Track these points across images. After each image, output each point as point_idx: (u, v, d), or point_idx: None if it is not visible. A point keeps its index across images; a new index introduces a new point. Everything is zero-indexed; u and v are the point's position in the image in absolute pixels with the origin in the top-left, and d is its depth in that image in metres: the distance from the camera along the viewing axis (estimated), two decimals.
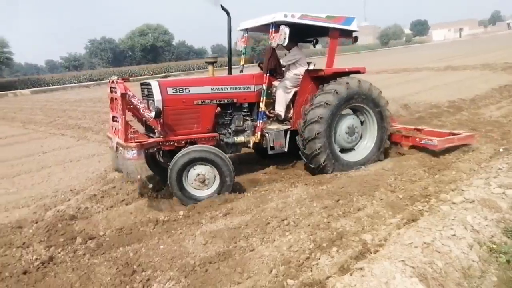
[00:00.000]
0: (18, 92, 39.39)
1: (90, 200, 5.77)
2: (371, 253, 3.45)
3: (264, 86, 5.94)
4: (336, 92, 5.80)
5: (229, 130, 6.11)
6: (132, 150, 4.87)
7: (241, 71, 7.11)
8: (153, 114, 5.11)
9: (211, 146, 5.39)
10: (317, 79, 6.15)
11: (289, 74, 6.56)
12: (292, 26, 5.63)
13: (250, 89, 6.05)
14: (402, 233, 3.68)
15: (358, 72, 6.29)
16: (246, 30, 6.74)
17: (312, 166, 5.99)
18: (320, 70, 6.13)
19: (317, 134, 5.72)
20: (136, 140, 5.05)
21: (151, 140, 5.29)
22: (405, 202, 4.69)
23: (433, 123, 9.00)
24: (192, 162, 5.17)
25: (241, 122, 6.13)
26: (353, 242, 3.79)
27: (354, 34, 6.39)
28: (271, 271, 3.45)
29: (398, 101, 11.94)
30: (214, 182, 5.34)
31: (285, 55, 6.66)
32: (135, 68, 52.78)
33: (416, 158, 6.33)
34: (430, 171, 5.82)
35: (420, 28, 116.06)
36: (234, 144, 6.06)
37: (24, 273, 3.85)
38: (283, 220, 4.42)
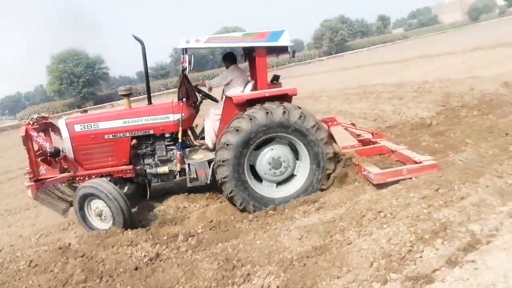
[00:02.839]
0: (115, 103, 43.12)
1: (187, 200, 6.10)
2: (482, 244, 3.16)
3: (180, 115, 5.65)
4: (250, 119, 5.15)
5: (153, 160, 5.96)
6: (28, 189, 5.38)
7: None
8: (51, 152, 5.50)
9: (102, 182, 5.30)
10: (240, 104, 5.51)
11: (223, 98, 6.10)
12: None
13: (168, 118, 5.74)
14: None
15: (285, 95, 5.53)
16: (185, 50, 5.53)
17: (224, 194, 5.45)
18: (231, 98, 5.59)
19: (223, 161, 5.17)
20: (35, 179, 5.46)
21: (60, 176, 5.62)
22: None
23: None
24: (86, 197, 5.25)
25: (164, 152, 5.90)
26: (459, 233, 3.51)
27: (290, 49, 5.74)
28: (372, 264, 3.35)
29: (497, 80, 10.87)
30: (111, 217, 5.24)
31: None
32: (217, 71, 54.77)
33: None
34: None
35: None
36: (158, 174, 5.88)
37: (136, 269, 4.21)
38: (379, 212, 4.24)
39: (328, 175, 5.47)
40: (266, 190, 5.48)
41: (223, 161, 5.18)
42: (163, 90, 47.64)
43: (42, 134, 5.78)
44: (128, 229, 5.29)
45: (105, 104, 41.12)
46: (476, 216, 3.79)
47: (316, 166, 5.39)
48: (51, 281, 4.11)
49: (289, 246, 4.02)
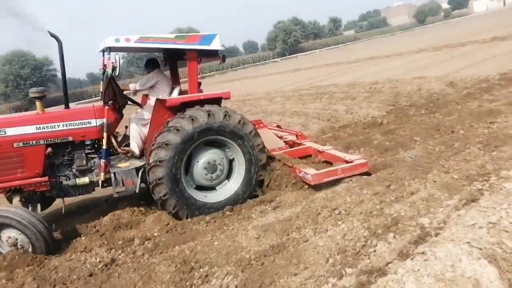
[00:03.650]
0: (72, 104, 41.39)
1: (142, 203, 5.95)
2: (431, 236, 3.32)
3: (105, 120, 5.20)
4: (192, 119, 5.03)
5: (71, 171, 5.34)
6: None
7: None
8: None
9: (9, 208, 4.63)
10: (172, 107, 5.34)
11: (149, 103, 6.00)
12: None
13: (90, 124, 5.21)
14: (463, 214, 3.53)
15: (219, 98, 5.54)
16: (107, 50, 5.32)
17: (155, 198, 5.14)
18: (165, 100, 5.39)
19: (160, 161, 4.91)
20: None
21: None
22: (462, 182, 4.47)
23: (484, 98, 8.56)
24: None
25: (85, 161, 5.30)
26: (410, 227, 3.67)
27: (220, 53, 5.70)
28: (328, 260, 3.42)
29: (443, 79, 11.50)
30: (30, 244, 4.54)
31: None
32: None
33: (467, 137, 6.04)
34: (486, 148, 5.54)
35: (459, 0, 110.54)
36: (77, 186, 5.27)
37: (90, 275, 4.04)
38: (334, 209, 4.35)
39: (261, 181, 5.47)
40: (199, 195, 5.31)
41: (160, 161, 4.91)
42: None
43: None
44: (82, 235, 5.09)
45: (55, 107, 39.34)
46: (425, 210, 3.98)
47: (249, 171, 5.35)
48: None
49: (247, 246, 4.01)
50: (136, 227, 5.19)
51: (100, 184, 5.30)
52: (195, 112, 5.12)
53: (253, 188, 5.41)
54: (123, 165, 5.39)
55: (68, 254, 4.52)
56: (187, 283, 3.58)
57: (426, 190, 4.47)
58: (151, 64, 6.14)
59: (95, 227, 5.30)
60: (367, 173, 5.41)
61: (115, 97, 5.24)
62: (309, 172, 5.28)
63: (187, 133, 4.97)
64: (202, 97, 5.37)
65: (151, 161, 4.99)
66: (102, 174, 5.21)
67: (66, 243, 4.97)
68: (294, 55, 59.18)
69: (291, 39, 64.93)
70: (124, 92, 5.67)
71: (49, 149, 5.21)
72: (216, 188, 5.51)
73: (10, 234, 4.53)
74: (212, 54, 5.77)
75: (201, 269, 3.75)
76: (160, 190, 4.98)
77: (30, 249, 4.54)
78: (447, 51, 20.46)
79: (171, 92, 5.96)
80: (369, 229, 3.77)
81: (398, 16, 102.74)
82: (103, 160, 5.23)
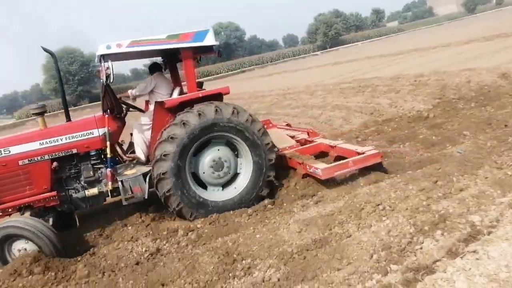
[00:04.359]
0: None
1: None
2: (483, 235, 3.17)
3: (106, 129, 5.19)
4: (184, 124, 4.94)
5: (79, 183, 5.36)
6: None
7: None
8: None
9: (23, 219, 4.59)
10: (172, 109, 5.24)
11: (149, 108, 5.93)
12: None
13: (93, 134, 5.23)
14: None
15: (219, 94, 5.35)
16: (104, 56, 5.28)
17: (158, 194, 5.09)
18: (163, 102, 5.29)
19: (163, 174, 4.89)
20: None
21: None
22: None
23: None
24: (5, 240, 4.48)
25: (92, 172, 5.32)
26: (459, 225, 3.52)
27: (216, 48, 5.56)
28: (372, 256, 3.35)
29: (495, 71, 10.89)
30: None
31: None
32: (211, 68, 54.75)
33: None
34: None
35: None
36: (87, 198, 5.26)
37: (137, 263, 4.22)
38: (378, 204, 4.25)
39: (271, 165, 5.33)
40: (211, 195, 5.27)
41: (163, 174, 4.87)
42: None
43: None
44: (128, 225, 5.30)
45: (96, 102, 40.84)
46: (476, 208, 3.81)
47: (256, 171, 5.22)
48: (52, 280, 4.08)
49: (289, 240, 4.01)
50: (180, 218, 5.33)
51: (109, 194, 5.26)
52: (203, 107, 5.04)
53: (260, 189, 5.28)
54: (130, 172, 5.40)
55: (116, 243, 4.74)
56: (230, 274, 3.63)
57: (477, 186, 4.27)
58: (153, 68, 6.09)
59: (141, 217, 5.50)
60: (380, 166, 5.33)
61: (112, 105, 5.24)
62: (319, 167, 5.15)
63: (182, 138, 4.89)
64: (200, 95, 5.24)
65: (155, 174, 4.96)
66: (110, 183, 5.19)
67: (114, 232, 5.21)
68: (335, 48, 58.16)
69: (332, 32, 63.80)
70: (123, 99, 5.82)
71: (55, 164, 5.22)
72: (223, 187, 5.41)
73: (22, 245, 4.51)
74: (207, 50, 5.69)
75: (244, 261, 3.79)
76: (164, 186, 4.93)
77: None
78: (500, 41, 19.35)
79: (171, 95, 5.87)
80: (415, 225, 3.66)
81: (445, 5, 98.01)
82: (109, 169, 5.23)
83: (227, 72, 51.18)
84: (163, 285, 3.72)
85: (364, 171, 5.38)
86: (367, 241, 3.58)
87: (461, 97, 9.31)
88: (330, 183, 5.35)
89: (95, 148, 5.30)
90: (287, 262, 3.60)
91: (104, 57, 4.98)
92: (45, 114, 5.36)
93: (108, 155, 5.21)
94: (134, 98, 5.96)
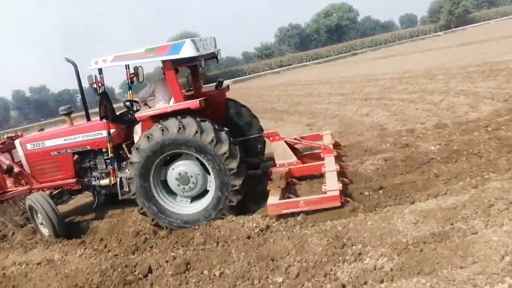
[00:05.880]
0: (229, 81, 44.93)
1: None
2: None
3: (106, 132, 5.88)
4: (148, 138, 5.11)
5: (97, 173, 6.26)
6: None
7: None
8: (4, 170, 6.42)
9: (37, 195, 5.87)
10: (145, 120, 5.56)
11: None
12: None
13: (101, 134, 5.99)
14: None
15: (187, 109, 5.26)
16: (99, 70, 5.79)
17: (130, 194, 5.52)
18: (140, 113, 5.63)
19: (129, 179, 5.36)
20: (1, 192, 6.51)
21: (15, 190, 6.51)
22: None
23: None
24: (32, 208, 5.79)
25: (104, 166, 6.16)
26: None
27: (199, 59, 5.52)
28: (503, 258, 3.01)
29: None
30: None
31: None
32: (321, 51, 53.67)
33: None
34: None
35: None
36: (101, 186, 6.19)
37: (248, 237, 4.43)
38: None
39: (236, 191, 5.04)
40: (177, 206, 5.40)
41: (129, 179, 5.36)
42: (267, 70, 48.39)
43: (6, 154, 6.74)
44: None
45: (209, 85, 43.19)
46: None
47: (221, 182, 5.05)
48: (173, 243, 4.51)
49: (403, 230, 3.81)
50: None
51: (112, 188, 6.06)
52: (170, 123, 5.13)
53: (220, 212, 5.11)
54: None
55: (229, 216, 5.01)
56: (340, 258, 3.60)
57: None
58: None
59: (250, 195, 5.70)
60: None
61: (106, 114, 5.85)
62: (269, 201, 4.83)
63: (145, 151, 5.13)
64: (169, 110, 5.42)
65: (125, 177, 5.57)
66: (112, 178, 6.02)
67: None
68: (461, 27, 52.43)
69: (459, 9, 57.48)
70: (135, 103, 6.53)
71: (76, 156, 6.27)
72: (197, 198, 5.46)
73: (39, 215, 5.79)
74: (187, 62, 5.71)
75: (354, 247, 3.72)
76: (131, 188, 5.36)
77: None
78: None
79: (169, 101, 6.03)
80: None
81: None
82: (111, 166, 6.03)
83: (337, 55, 49.67)
84: (272, 260, 3.85)
85: (495, 162, 4.81)
86: (497, 240, 3.23)
87: None
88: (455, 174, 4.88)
89: (104, 146, 6.06)
90: (401, 253, 3.44)
91: (100, 70, 5.63)
92: (72, 115, 6.68)
93: (109, 154, 5.97)
94: (143, 102, 6.51)
